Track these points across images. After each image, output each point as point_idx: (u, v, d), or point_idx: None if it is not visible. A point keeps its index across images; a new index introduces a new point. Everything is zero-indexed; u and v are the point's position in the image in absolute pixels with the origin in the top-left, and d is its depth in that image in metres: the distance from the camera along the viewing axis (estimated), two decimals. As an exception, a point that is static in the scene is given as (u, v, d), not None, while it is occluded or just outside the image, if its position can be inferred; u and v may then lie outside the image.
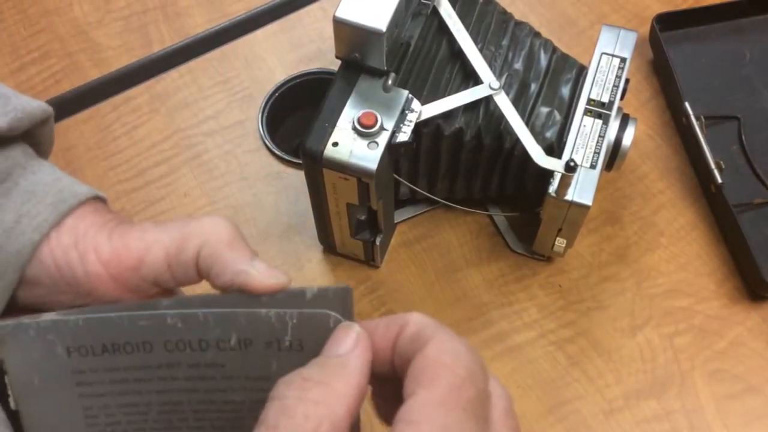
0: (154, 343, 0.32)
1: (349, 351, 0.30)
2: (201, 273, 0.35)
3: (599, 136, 0.50)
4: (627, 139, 0.52)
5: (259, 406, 0.29)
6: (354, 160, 0.46)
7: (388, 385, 0.31)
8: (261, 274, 0.32)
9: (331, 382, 0.29)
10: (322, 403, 0.28)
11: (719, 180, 0.56)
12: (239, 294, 0.32)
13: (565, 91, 0.52)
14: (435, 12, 0.52)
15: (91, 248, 0.35)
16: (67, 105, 0.65)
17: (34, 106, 0.38)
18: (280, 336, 0.31)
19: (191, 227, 0.35)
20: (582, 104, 0.50)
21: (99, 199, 0.38)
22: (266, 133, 0.62)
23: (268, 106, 0.64)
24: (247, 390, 0.32)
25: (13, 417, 0.33)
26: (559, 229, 0.51)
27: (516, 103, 0.50)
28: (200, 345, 0.32)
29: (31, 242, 0.35)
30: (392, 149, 0.47)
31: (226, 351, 0.32)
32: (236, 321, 0.31)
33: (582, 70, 0.53)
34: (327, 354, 0.30)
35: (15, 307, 0.36)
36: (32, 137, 0.39)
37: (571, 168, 0.46)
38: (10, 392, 0.33)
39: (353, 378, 0.29)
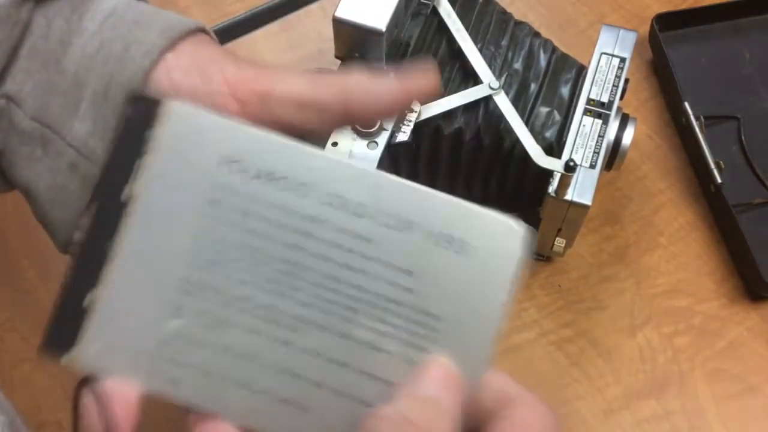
0: (313, 190, 0.30)
1: (441, 391, 0.28)
2: (349, 115, 0.34)
3: (599, 135, 0.50)
4: (626, 139, 0.52)
5: (380, 304, 0.28)
6: (353, 161, 0.46)
7: None
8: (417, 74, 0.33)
9: (431, 427, 0.27)
10: None
11: (719, 180, 0.56)
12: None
13: (565, 90, 0.52)
14: (434, 12, 0.52)
15: (218, 69, 0.34)
16: (67, 105, 0.65)
17: None
18: (446, 229, 0.30)
19: (328, 75, 0.34)
20: (581, 104, 0.50)
21: (207, 34, 0.36)
22: (266, 133, 0.62)
23: (267, 106, 0.64)
24: (380, 280, 0.30)
25: (110, 209, 0.30)
26: (559, 229, 0.51)
27: (515, 102, 0.50)
28: (357, 210, 0.30)
29: (142, 68, 0.33)
30: (392, 149, 0.47)
31: (381, 226, 0.30)
32: (409, 197, 0.30)
33: (582, 70, 0.53)
34: (415, 391, 0.28)
35: None
36: None
37: (570, 168, 0.46)
38: (132, 177, 0.29)
39: (449, 426, 0.27)
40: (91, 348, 0.30)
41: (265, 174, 0.30)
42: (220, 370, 0.30)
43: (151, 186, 0.30)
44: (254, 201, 0.30)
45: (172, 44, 0.34)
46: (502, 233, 0.31)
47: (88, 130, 0.33)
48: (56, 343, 0.30)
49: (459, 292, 0.30)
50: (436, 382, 0.28)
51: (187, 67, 0.33)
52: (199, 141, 0.30)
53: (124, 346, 0.30)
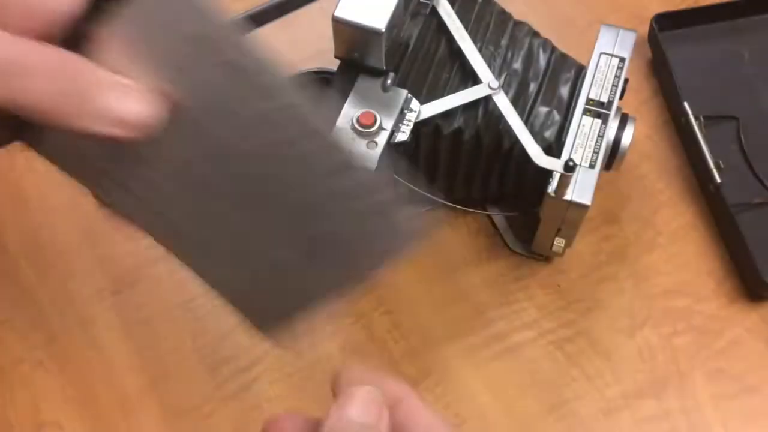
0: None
1: (378, 421, 0.29)
2: None
3: (598, 135, 0.50)
4: (626, 139, 0.52)
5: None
6: None
7: None
8: None
9: None
10: None
11: (718, 180, 0.56)
12: None
13: (564, 90, 0.52)
14: (434, 11, 0.52)
15: None
16: (66, 104, 0.65)
17: None
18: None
19: None
20: (581, 104, 0.50)
21: None
22: (265, 133, 0.62)
23: (266, 106, 0.64)
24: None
25: None
26: (558, 229, 0.51)
27: (515, 102, 0.50)
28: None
29: None
30: (391, 149, 0.47)
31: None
32: None
33: (581, 70, 0.53)
34: (355, 418, 0.29)
35: None
36: None
37: (570, 168, 0.46)
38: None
39: None
40: None
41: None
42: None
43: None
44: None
45: None
46: None
47: None
48: None
49: None
50: (371, 412, 0.30)
51: None
52: None
53: None
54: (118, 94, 0.29)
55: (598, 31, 0.53)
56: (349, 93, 0.48)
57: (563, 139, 0.50)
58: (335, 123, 0.47)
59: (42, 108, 0.28)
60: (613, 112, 0.51)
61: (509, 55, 0.52)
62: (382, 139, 0.46)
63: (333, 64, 0.51)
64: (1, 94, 0.27)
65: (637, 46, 0.53)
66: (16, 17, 0.29)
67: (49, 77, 0.28)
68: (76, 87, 0.28)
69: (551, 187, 0.48)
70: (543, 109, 0.51)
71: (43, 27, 0.29)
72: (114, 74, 0.29)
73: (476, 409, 0.52)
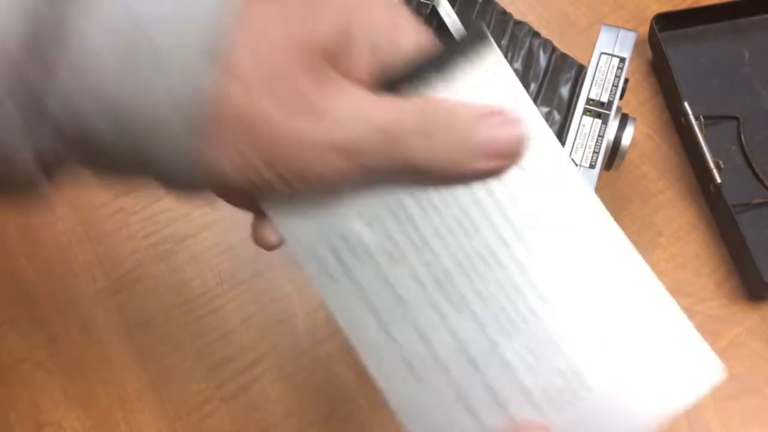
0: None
1: None
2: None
3: (598, 135, 0.50)
4: (626, 139, 0.52)
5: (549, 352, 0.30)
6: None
7: None
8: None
9: None
10: None
11: (718, 180, 0.56)
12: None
13: (565, 90, 0.52)
14: (434, 12, 0.52)
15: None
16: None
17: None
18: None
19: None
20: (581, 104, 0.50)
21: None
22: (265, 133, 0.62)
23: (267, 106, 0.64)
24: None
25: None
26: (559, 229, 0.51)
27: (515, 102, 0.50)
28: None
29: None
30: (391, 149, 0.47)
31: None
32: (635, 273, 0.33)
33: (581, 70, 0.53)
34: None
35: None
36: None
37: (570, 168, 0.46)
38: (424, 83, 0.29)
39: None
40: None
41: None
42: (370, 294, 0.30)
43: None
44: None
45: None
46: (700, 366, 0.31)
47: None
48: None
49: (631, 379, 0.31)
50: None
51: None
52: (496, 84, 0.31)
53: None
54: (490, 124, 0.28)
55: (598, 31, 0.53)
56: (350, 93, 0.48)
57: (563, 139, 0.50)
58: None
59: (427, 166, 0.26)
60: (613, 112, 0.51)
61: (509, 55, 0.52)
62: (382, 139, 0.46)
63: (333, 64, 0.51)
64: (393, 159, 0.26)
65: (637, 46, 0.53)
66: (362, 60, 0.27)
67: (427, 133, 0.26)
68: (454, 133, 0.27)
69: (551, 187, 0.48)
70: (543, 109, 0.51)
71: (382, 71, 0.28)
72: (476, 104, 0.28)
73: (476, 409, 0.52)
